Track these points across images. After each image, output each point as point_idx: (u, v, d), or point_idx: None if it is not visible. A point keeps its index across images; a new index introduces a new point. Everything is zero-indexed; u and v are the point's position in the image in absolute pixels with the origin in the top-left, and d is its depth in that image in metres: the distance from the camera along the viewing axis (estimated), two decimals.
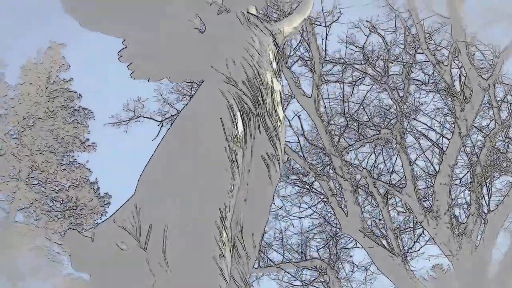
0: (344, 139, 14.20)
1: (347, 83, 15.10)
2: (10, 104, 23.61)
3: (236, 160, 3.38)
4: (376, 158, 13.53)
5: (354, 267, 14.73)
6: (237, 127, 3.50)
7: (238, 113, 3.57)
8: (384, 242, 12.22)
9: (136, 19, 4.27)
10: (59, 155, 22.81)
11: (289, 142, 13.99)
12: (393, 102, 14.47)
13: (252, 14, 4.39)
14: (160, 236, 3.07)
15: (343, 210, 12.45)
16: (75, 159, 23.47)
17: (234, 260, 3.34)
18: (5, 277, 22.15)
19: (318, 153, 14.53)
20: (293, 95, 14.08)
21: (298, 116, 14.06)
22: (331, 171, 13.28)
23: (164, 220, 3.11)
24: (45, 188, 22.81)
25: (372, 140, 14.55)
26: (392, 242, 11.74)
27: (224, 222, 3.12)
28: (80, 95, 24.04)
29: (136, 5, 4.26)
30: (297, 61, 15.10)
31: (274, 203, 14.47)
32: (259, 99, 3.80)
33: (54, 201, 23.13)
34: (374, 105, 15.55)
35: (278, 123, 3.92)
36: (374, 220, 13.44)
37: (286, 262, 14.45)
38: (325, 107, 14.00)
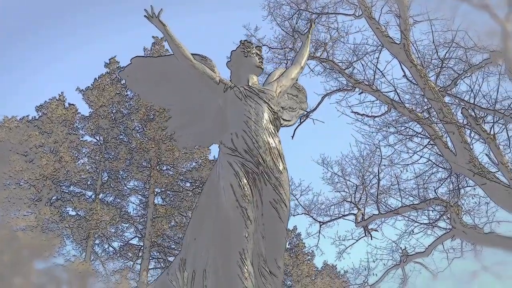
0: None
1: (439, 19, 14.42)
2: (131, 103, 26.29)
3: (247, 213, 4.64)
4: (480, 88, 12.74)
5: (479, 199, 14.10)
6: (244, 188, 4.75)
7: (244, 177, 4.81)
8: (500, 176, 11.88)
9: (179, 93, 5.64)
10: None
11: (387, 92, 14.04)
12: (496, 21, 13.53)
13: (248, 87, 5.41)
14: (201, 278, 4.62)
15: (451, 151, 12.33)
16: None
17: (261, 281, 4.71)
18: (157, 252, 25.28)
19: (418, 98, 14.31)
20: (382, 45, 14.02)
21: (396, 59, 13.62)
22: (433, 114, 13.09)
23: (202, 266, 4.65)
24: (174, 172, 25.32)
25: (481, 66, 13.78)
26: (506, 176, 11.41)
27: (245, 261, 4.49)
28: None
29: (178, 82, 5.60)
30: (382, 7, 14.74)
31: (382, 156, 14.74)
32: (260, 160, 4.94)
33: (184, 182, 25.65)
34: (477, 31, 14.46)
35: (279, 174, 5.03)
36: (486, 154, 13.01)
37: (405, 206, 14.56)
38: (417, 50, 13.63)
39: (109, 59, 28.28)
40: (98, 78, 27.34)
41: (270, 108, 5.32)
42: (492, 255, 13.63)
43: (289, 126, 6.17)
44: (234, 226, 4.59)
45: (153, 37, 28.14)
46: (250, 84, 5.55)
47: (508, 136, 12.29)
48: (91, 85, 27.04)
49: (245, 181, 4.81)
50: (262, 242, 4.82)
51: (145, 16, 5.33)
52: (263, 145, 5.02)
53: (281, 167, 5.07)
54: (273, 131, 5.24)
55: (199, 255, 4.76)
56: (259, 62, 5.75)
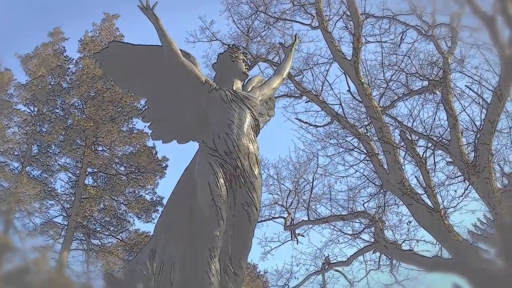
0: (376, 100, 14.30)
1: (388, 42, 15.14)
2: (72, 77, 25.35)
3: (221, 213, 4.78)
4: (418, 114, 13.51)
5: (401, 217, 14.78)
6: (221, 189, 4.88)
7: (222, 178, 4.93)
8: (425, 198, 12.58)
9: (157, 85, 5.60)
10: (120, 123, 24.47)
11: (332, 105, 14.54)
12: (439, 52, 14.32)
13: (234, 92, 5.51)
14: (169, 270, 4.72)
15: (385, 169, 12.95)
16: (134, 126, 25.07)
17: (224, 279, 4.86)
18: (81, 233, 24.60)
19: (360, 114, 14.91)
20: (333, 59, 14.49)
21: (344, 74, 14.12)
22: (372, 131, 13.69)
23: (171, 259, 4.75)
24: (110, 154, 24.68)
25: (420, 92, 14.50)
26: (431, 199, 12.16)
27: (213, 258, 4.65)
28: None
29: (157, 75, 5.56)
30: (337, 21, 15.20)
31: (319, 165, 15.26)
32: (238, 163, 5.08)
33: (119, 165, 25.09)
34: (420, 59, 15.24)
35: (254, 179, 5.19)
36: (416, 177, 13.78)
37: (334, 216, 15.07)
38: (365, 69, 14.22)
39: (54, 29, 27.13)
40: (40, 46, 26.14)
41: (252, 115, 5.47)
42: (405, 270, 14.29)
43: None
44: (207, 224, 4.70)
45: (104, 13, 27.34)
46: (234, 89, 5.66)
47: (434, 161, 13.16)
48: (32, 52, 25.82)
49: (223, 181, 4.92)
50: (230, 242, 4.97)
51: (138, 6, 5.30)
52: (243, 150, 5.14)
53: (256, 172, 5.22)
54: (253, 137, 5.39)
55: (169, 248, 4.84)
56: (245, 68, 5.89)
